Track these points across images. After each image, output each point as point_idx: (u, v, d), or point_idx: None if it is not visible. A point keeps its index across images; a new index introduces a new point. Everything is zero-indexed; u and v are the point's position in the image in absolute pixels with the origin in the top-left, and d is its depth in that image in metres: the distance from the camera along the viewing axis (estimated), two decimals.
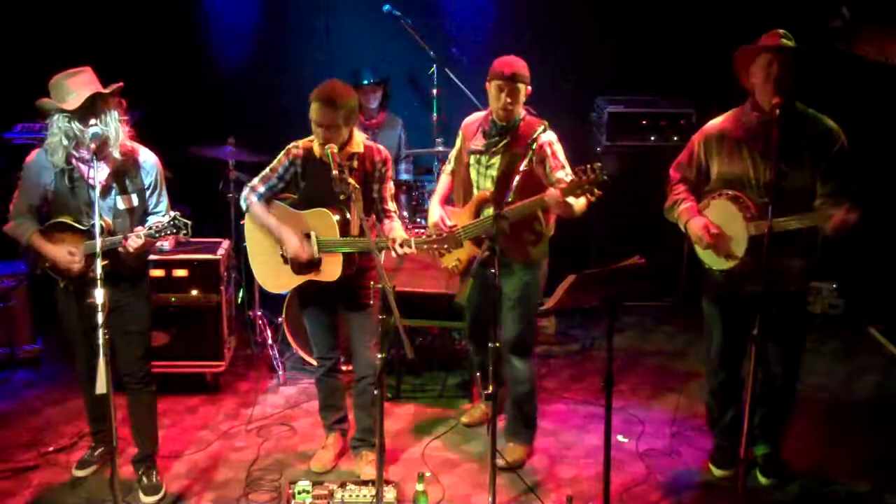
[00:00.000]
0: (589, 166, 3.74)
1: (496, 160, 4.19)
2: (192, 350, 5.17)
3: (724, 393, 4.35)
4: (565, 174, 4.08)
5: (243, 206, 4.25)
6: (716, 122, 4.06)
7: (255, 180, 4.22)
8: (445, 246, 3.96)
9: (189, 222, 3.80)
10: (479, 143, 4.25)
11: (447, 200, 4.51)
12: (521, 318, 4.34)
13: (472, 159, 4.28)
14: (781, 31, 3.88)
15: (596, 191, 3.77)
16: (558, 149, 4.17)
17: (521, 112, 4.18)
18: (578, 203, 3.97)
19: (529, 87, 4.14)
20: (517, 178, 3.97)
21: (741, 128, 3.95)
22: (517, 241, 4.17)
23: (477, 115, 4.39)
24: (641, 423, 4.91)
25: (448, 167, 4.55)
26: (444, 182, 4.55)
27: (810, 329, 5.93)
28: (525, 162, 3.99)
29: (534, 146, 4.05)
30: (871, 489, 4.31)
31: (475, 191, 4.29)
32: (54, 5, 6.43)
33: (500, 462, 4.29)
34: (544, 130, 4.08)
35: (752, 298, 3.96)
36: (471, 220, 4.25)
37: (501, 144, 4.18)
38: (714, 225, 3.96)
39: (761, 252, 3.76)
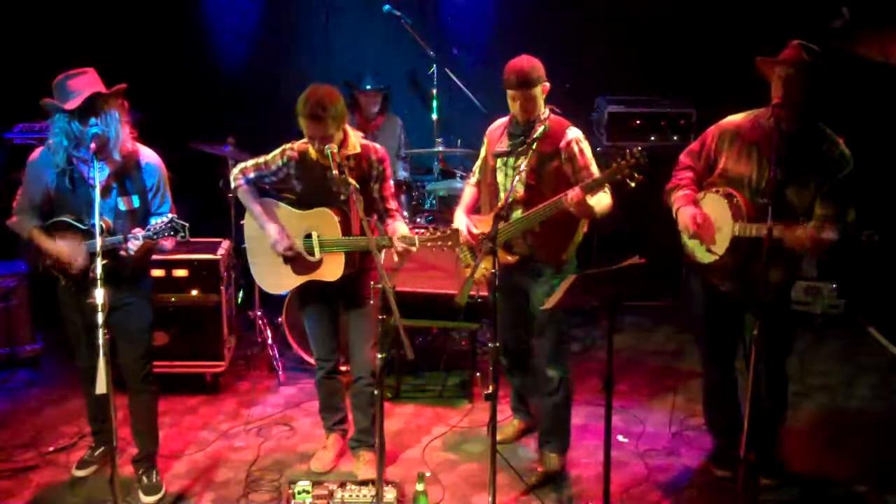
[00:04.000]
0: (628, 151, 3.69)
1: (523, 161, 4.07)
2: (192, 350, 5.17)
3: (718, 393, 4.35)
4: (593, 172, 4.01)
5: (232, 185, 4.29)
6: (734, 119, 4.05)
7: (249, 163, 4.23)
8: (450, 243, 3.92)
9: (186, 224, 3.80)
10: (503, 145, 4.14)
11: (472, 211, 4.37)
12: (556, 327, 4.23)
13: (499, 162, 4.17)
14: (801, 42, 3.81)
15: (637, 175, 3.70)
16: (585, 146, 4.08)
17: (545, 111, 4.07)
18: (600, 204, 3.92)
19: (546, 84, 4.02)
20: (547, 178, 3.90)
21: (757, 130, 3.94)
22: (548, 243, 4.08)
23: (501, 121, 4.26)
24: (641, 423, 4.91)
25: (472, 178, 4.43)
26: (468, 193, 4.42)
27: (809, 329, 5.98)
28: (555, 161, 3.93)
29: (561, 144, 4.00)
30: (871, 489, 4.31)
31: (502, 194, 4.14)
32: (55, 5, 6.44)
33: (533, 476, 4.29)
34: (570, 128, 4.05)
35: (733, 300, 3.97)
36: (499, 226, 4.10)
37: (528, 145, 4.06)
38: (703, 216, 3.97)
39: (744, 256, 3.77)
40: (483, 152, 4.34)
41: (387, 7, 6.13)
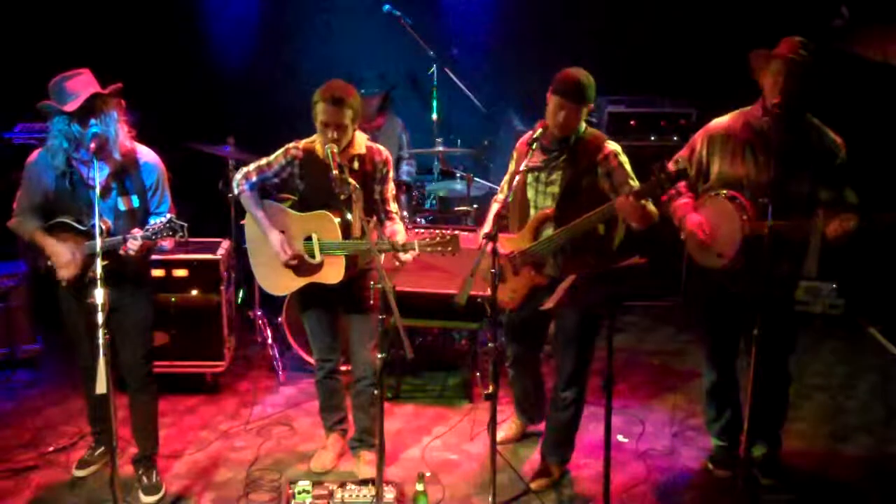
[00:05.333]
0: (667, 161, 3.55)
1: (557, 176, 3.94)
2: (192, 350, 5.17)
3: (719, 393, 4.35)
4: (634, 186, 3.86)
5: (235, 191, 4.26)
6: (721, 121, 4.04)
7: (251, 167, 4.22)
8: (450, 249, 3.88)
9: (185, 224, 3.79)
10: (536, 159, 3.94)
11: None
12: (581, 353, 4.09)
13: (530, 177, 4.00)
14: (799, 39, 3.81)
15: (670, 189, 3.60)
16: (624, 160, 3.93)
17: (583, 126, 3.95)
18: (651, 207, 3.79)
19: (592, 105, 3.89)
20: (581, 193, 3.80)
21: (747, 129, 3.94)
22: (578, 262, 3.85)
23: (531, 134, 4.05)
24: (641, 423, 4.91)
25: (500, 195, 4.28)
26: (495, 210, 4.18)
27: (809, 329, 5.98)
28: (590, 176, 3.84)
29: (599, 158, 3.87)
30: (870, 489, 4.31)
31: (532, 211, 4.03)
32: (55, 5, 6.44)
33: (535, 482, 4.27)
34: (608, 141, 3.93)
35: (738, 299, 3.97)
36: (528, 245, 4.02)
37: (562, 159, 3.93)
38: (708, 223, 3.96)
39: (752, 254, 3.77)
40: (512, 167, 4.23)
41: (387, 7, 6.13)
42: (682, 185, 4.09)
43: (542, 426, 4.60)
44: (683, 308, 6.32)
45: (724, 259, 3.92)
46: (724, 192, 3.92)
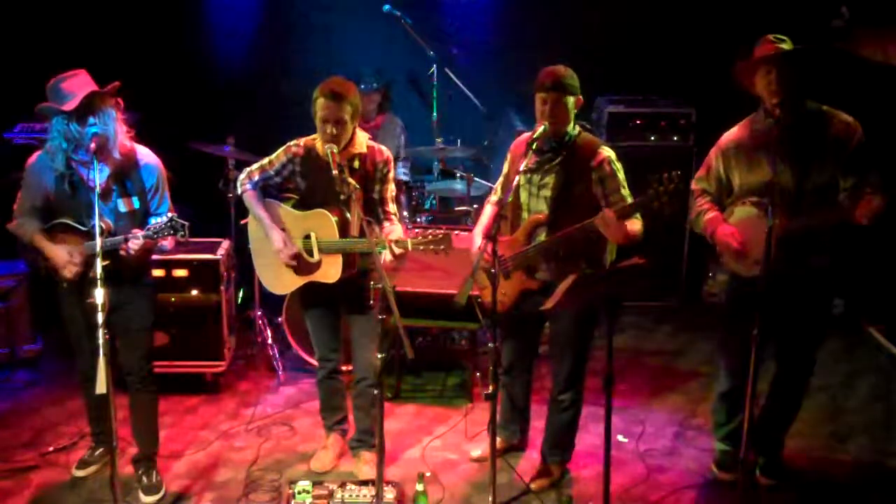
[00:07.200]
0: (666, 175, 3.52)
1: (550, 179, 3.92)
2: (192, 350, 5.17)
3: (734, 398, 4.31)
4: (625, 195, 3.87)
5: (238, 190, 4.29)
6: (731, 134, 4.04)
7: (254, 167, 4.24)
8: (442, 247, 3.88)
9: (186, 223, 3.80)
10: (530, 160, 3.89)
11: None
12: (577, 355, 4.10)
13: (523, 179, 3.97)
14: (772, 36, 3.85)
15: (673, 204, 3.57)
16: (618, 167, 3.90)
17: (576, 128, 3.94)
18: (635, 227, 3.79)
19: (580, 98, 3.88)
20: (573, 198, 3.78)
21: (756, 135, 3.94)
22: (570, 267, 3.79)
23: (526, 136, 4.03)
24: (641, 423, 4.91)
25: (493, 197, 4.29)
26: (488, 212, 4.25)
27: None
28: (584, 181, 3.80)
29: (593, 163, 3.85)
30: (870, 489, 4.31)
31: (525, 215, 4.02)
32: (55, 5, 6.44)
33: (535, 482, 4.27)
34: (603, 146, 3.91)
35: (770, 303, 3.92)
36: (521, 248, 3.98)
37: (556, 162, 3.92)
38: (738, 232, 3.94)
39: (788, 253, 3.76)
40: (505, 169, 4.22)
41: (387, 7, 6.12)
42: (706, 202, 4.11)
43: (522, 443, 4.59)
44: (683, 308, 6.33)
45: (760, 265, 3.90)
46: (750, 199, 3.92)
